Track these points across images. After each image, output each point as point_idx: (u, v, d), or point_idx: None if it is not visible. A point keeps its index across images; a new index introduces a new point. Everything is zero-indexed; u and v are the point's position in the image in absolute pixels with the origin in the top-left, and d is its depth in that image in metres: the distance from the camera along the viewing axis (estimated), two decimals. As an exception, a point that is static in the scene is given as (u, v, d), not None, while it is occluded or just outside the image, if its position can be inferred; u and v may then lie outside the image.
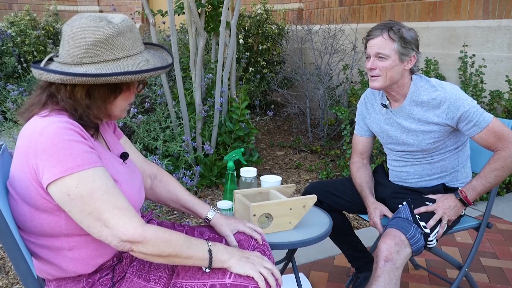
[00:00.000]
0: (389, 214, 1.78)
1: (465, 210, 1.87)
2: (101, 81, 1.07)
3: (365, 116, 1.99)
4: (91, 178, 1.03)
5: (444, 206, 1.71)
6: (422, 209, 1.70)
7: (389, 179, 1.98)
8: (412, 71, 1.78)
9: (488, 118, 1.69)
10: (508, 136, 1.67)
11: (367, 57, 1.77)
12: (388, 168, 1.99)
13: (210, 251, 1.16)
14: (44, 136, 1.01)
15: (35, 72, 1.10)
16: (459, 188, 1.74)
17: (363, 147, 2.03)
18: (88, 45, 1.08)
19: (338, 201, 1.96)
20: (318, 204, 1.89)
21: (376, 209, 1.80)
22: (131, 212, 1.05)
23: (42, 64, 1.12)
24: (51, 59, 1.16)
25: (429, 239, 1.64)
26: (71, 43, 1.09)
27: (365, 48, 1.78)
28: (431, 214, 1.71)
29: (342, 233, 2.04)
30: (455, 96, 1.70)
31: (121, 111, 1.20)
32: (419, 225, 1.62)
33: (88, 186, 1.02)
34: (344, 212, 2.05)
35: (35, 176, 1.02)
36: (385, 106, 1.86)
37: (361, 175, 1.95)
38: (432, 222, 1.67)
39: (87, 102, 1.11)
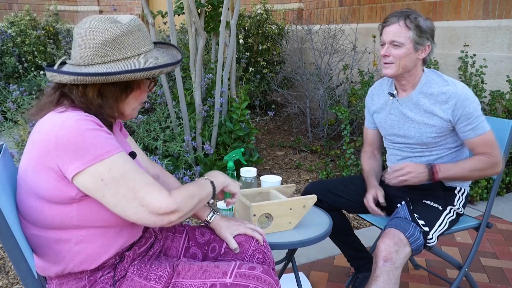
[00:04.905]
0: (382, 200, 1.80)
1: (464, 210, 1.87)
2: (111, 79, 1.10)
3: (370, 108, 2.01)
4: (122, 161, 1.07)
5: (413, 166, 1.73)
6: (397, 166, 1.75)
7: None
8: (425, 61, 1.79)
9: (486, 127, 1.72)
10: (496, 149, 1.73)
11: (381, 44, 1.78)
12: (388, 166, 1.99)
13: (212, 182, 1.29)
14: (66, 129, 1.03)
15: (48, 74, 1.13)
16: (435, 163, 1.76)
17: (372, 139, 2.07)
18: (98, 46, 1.11)
19: (339, 200, 1.96)
20: (318, 203, 1.89)
21: (372, 190, 1.84)
22: (158, 186, 1.11)
23: (55, 67, 1.15)
24: (63, 63, 1.19)
25: (429, 237, 1.65)
26: (81, 44, 1.12)
27: (381, 34, 1.79)
28: (431, 213, 1.72)
29: (341, 233, 2.04)
30: (465, 95, 1.70)
31: (132, 109, 1.23)
32: (417, 224, 1.63)
33: (121, 169, 1.06)
34: (344, 211, 2.05)
35: (56, 168, 1.04)
36: (392, 95, 1.87)
37: (371, 163, 2.00)
38: (396, 166, 1.74)
39: (99, 102, 1.14)
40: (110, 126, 1.20)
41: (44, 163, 1.05)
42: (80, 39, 1.12)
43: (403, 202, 1.74)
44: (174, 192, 1.13)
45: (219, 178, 1.34)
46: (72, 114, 1.07)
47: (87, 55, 1.12)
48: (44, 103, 1.15)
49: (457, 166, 1.74)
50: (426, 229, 1.64)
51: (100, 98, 1.14)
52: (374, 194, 1.82)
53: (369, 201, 1.81)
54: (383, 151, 2.08)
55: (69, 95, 1.13)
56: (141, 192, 1.07)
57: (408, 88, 1.82)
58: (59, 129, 1.04)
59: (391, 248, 1.55)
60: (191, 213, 1.18)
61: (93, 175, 1.04)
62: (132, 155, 1.28)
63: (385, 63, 1.77)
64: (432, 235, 1.67)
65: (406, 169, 1.72)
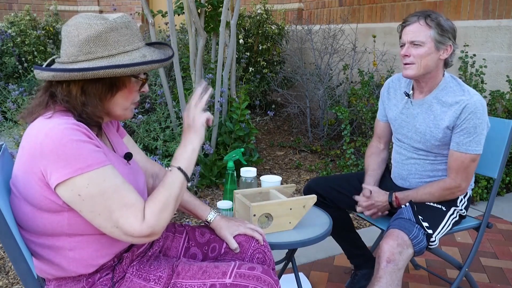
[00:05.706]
0: (366, 192, 1.87)
1: (467, 212, 1.87)
2: (89, 76, 1.06)
3: (384, 101, 1.99)
4: (102, 178, 1.03)
5: (376, 201, 1.83)
6: (358, 197, 1.87)
7: (391, 176, 1.98)
8: (446, 63, 1.75)
9: (474, 151, 1.69)
10: (466, 175, 1.72)
11: (401, 46, 1.75)
12: (392, 165, 1.99)
13: (179, 168, 1.17)
14: (51, 137, 1.01)
15: (35, 72, 1.11)
16: (395, 194, 1.80)
17: (381, 132, 2.05)
18: (82, 42, 1.08)
19: (341, 198, 1.95)
20: (320, 199, 1.89)
21: (364, 189, 1.89)
22: (137, 208, 1.06)
23: (44, 65, 1.13)
24: (54, 61, 1.17)
25: (431, 239, 1.64)
26: (67, 42, 1.10)
27: (400, 36, 1.76)
28: (435, 214, 1.71)
29: (342, 229, 2.03)
30: (475, 108, 1.66)
31: (123, 110, 1.19)
32: (422, 226, 1.62)
33: (99, 186, 1.03)
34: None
35: (41, 176, 1.02)
36: (407, 95, 1.84)
37: (371, 161, 2.00)
38: (358, 208, 1.87)
39: (82, 99, 1.10)
40: (99, 127, 1.16)
41: (31, 170, 1.03)
42: (66, 36, 1.10)
43: (407, 203, 1.72)
44: (147, 212, 1.07)
45: (186, 154, 1.19)
46: (60, 121, 1.04)
47: (72, 52, 1.09)
48: (34, 105, 1.13)
49: (416, 192, 1.79)
50: (430, 231, 1.63)
51: (84, 96, 1.10)
52: (366, 193, 1.87)
53: (360, 205, 1.87)
54: (391, 146, 2.07)
55: (56, 95, 1.10)
56: (116, 214, 1.04)
57: (425, 91, 1.79)
58: (45, 136, 1.01)
59: (394, 249, 1.54)
60: (172, 215, 1.14)
61: (71, 188, 1.01)
62: (128, 156, 1.26)
63: (405, 64, 1.72)
64: (435, 237, 1.66)
65: (372, 210, 1.85)
